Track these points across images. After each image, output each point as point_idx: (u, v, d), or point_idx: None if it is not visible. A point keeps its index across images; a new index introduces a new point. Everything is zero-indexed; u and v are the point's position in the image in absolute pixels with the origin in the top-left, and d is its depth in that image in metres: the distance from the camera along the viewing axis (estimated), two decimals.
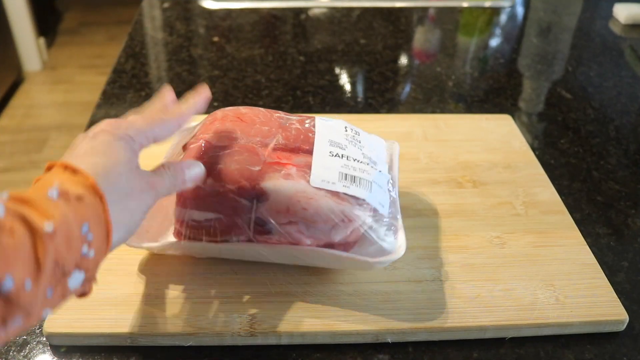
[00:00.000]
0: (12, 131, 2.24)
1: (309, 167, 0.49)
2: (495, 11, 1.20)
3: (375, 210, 0.49)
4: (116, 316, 0.48)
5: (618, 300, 0.52)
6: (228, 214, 0.48)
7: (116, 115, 0.80)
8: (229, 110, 0.54)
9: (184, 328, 0.48)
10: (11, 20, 2.42)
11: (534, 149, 0.74)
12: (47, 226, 0.32)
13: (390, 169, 0.56)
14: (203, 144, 0.49)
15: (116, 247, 0.39)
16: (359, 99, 0.87)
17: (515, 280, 0.53)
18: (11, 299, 0.30)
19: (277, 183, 0.47)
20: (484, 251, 0.57)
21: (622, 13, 1.13)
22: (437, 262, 0.55)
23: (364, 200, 0.48)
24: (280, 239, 0.48)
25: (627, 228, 0.63)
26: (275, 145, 0.50)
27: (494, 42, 1.10)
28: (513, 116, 0.80)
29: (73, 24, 3.09)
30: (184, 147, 0.51)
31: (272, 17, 1.14)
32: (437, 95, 0.88)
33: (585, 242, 0.58)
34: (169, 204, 0.51)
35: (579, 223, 0.63)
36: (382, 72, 0.94)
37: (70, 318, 0.48)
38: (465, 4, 1.21)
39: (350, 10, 1.17)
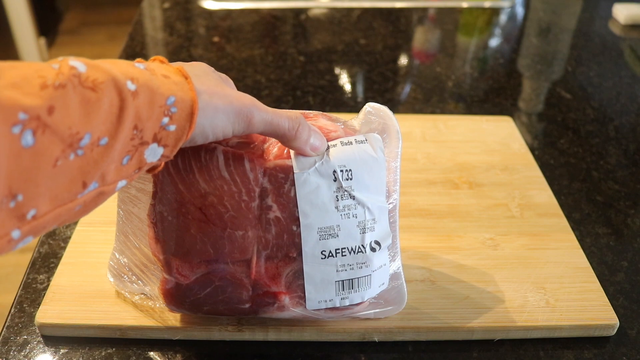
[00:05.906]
0: None
1: (302, 288, 0.44)
2: (495, 11, 1.20)
3: (376, 296, 0.48)
4: (107, 308, 0.49)
5: (609, 304, 0.52)
6: (227, 314, 0.48)
7: None
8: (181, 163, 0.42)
9: (171, 322, 0.48)
10: (11, 20, 2.42)
11: (533, 149, 0.74)
12: (129, 84, 0.32)
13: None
14: (176, 284, 0.45)
15: (197, 140, 0.37)
16: (359, 99, 0.87)
17: (506, 282, 0.53)
18: (86, 153, 0.30)
19: (272, 315, 0.47)
20: (477, 252, 0.57)
21: (622, 13, 1.13)
22: (429, 263, 0.55)
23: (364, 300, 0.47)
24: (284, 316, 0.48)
25: (626, 228, 0.63)
26: (257, 257, 0.44)
27: (494, 42, 1.10)
28: (513, 116, 0.80)
29: (73, 24, 3.09)
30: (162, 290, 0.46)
31: (272, 17, 1.14)
32: (437, 95, 0.88)
33: (579, 246, 0.58)
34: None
35: (579, 223, 0.63)
36: (382, 72, 0.94)
37: (62, 309, 0.49)
38: (465, 4, 1.21)
39: (350, 10, 1.18)
